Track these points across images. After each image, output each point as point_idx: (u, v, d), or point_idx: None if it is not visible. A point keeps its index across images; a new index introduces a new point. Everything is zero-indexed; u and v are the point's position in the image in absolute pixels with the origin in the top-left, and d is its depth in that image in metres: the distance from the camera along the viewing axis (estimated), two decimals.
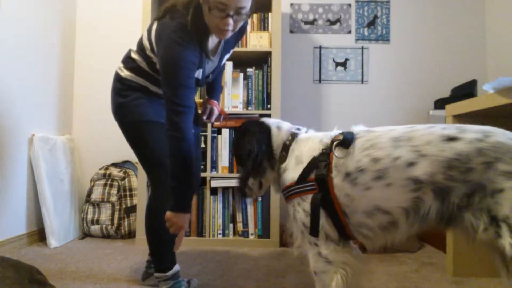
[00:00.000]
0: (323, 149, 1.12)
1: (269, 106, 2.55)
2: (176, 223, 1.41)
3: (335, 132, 1.18)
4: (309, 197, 1.10)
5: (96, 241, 2.60)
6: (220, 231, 2.50)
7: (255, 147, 1.22)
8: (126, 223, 2.66)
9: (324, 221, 1.10)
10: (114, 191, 2.69)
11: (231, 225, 2.51)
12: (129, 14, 3.00)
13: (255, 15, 2.69)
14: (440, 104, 2.68)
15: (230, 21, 1.34)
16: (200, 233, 2.51)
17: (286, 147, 1.23)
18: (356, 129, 1.14)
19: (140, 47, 1.57)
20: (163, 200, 1.56)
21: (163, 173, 1.55)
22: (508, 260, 0.86)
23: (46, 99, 2.69)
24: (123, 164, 2.86)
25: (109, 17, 3.04)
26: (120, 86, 1.61)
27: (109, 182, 2.72)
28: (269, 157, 1.25)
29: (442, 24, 3.01)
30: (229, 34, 1.42)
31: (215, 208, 2.50)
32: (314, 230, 1.09)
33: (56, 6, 2.77)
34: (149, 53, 1.52)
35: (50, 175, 2.50)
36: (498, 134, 0.93)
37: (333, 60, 3.02)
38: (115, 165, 2.84)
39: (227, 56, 1.71)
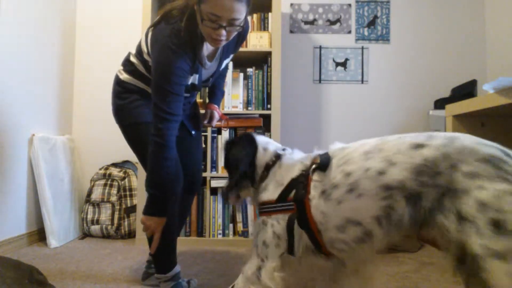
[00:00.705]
0: (302, 171, 1.16)
1: (269, 106, 2.55)
2: (150, 226, 1.43)
3: (316, 152, 1.22)
4: (285, 219, 1.15)
5: (96, 241, 2.60)
6: (220, 231, 2.50)
7: (243, 162, 1.27)
8: (126, 223, 2.66)
9: (296, 240, 1.14)
10: (114, 191, 2.69)
11: (231, 225, 2.51)
12: (129, 15, 3.00)
13: (255, 15, 2.69)
14: (440, 104, 2.68)
15: (223, 32, 1.33)
16: (200, 233, 2.51)
17: (268, 167, 1.26)
18: (333, 147, 1.18)
19: (138, 51, 1.57)
20: None
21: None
22: (477, 257, 0.88)
23: (46, 99, 2.69)
24: (123, 164, 2.86)
25: (109, 17, 3.04)
26: (120, 89, 1.62)
27: (109, 182, 2.72)
28: (252, 175, 1.30)
29: (442, 24, 3.01)
30: (223, 43, 1.41)
31: (215, 208, 2.50)
32: (290, 250, 1.14)
33: (56, 6, 2.77)
34: (146, 56, 1.53)
35: (50, 175, 2.50)
36: (463, 139, 0.97)
37: (333, 60, 3.02)
38: (115, 165, 2.84)
39: (227, 61, 1.70)
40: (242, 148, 1.31)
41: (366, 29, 3.02)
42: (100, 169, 2.81)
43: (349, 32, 3.02)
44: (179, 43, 1.37)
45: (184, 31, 1.39)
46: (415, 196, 0.98)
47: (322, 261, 1.22)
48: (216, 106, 1.85)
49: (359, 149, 1.09)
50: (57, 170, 2.60)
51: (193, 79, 1.52)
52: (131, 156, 2.82)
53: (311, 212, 1.11)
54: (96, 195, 2.71)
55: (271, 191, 1.21)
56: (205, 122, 1.82)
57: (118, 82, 1.62)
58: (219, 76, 1.83)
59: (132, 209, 2.70)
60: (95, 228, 2.66)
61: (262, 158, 1.29)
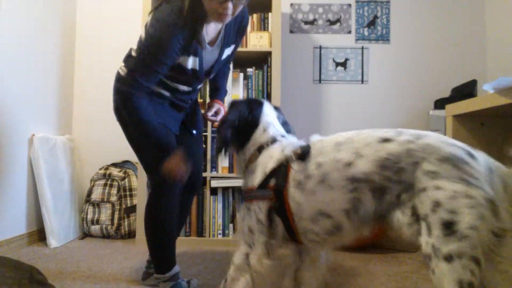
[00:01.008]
0: (282, 161, 1.18)
1: None
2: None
3: (299, 143, 1.23)
4: (265, 206, 1.17)
5: (96, 241, 2.60)
6: (220, 231, 2.50)
7: (230, 120, 1.28)
8: (126, 223, 2.66)
9: (272, 227, 1.17)
10: (114, 191, 2.69)
11: (231, 225, 2.51)
12: (129, 15, 3.00)
13: (255, 15, 2.69)
14: (440, 104, 2.68)
15: (230, 5, 1.32)
16: (200, 233, 2.51)
17: (261, 148, 1.27)
18: (313, 139, 1.20)
19: (139, 45, 1.56)
20: (161, 200, 1.56)
21: (161, 177, 1.53)
22: (426, 256, 0.90)
23: (46, 99, 2.69)
24: (123, 164, 2.86)
25: (109, 17, 3.03)
26: (120, 86, 1.59)
27: (109, 182, 2.72)
28: (241, 144, 1.31)
29: (442, 24, 3.01)
30: (228, 18, 1.39)
31: (215, 208, 2.50)
32: (268, 233, 1.17)
33: (56, 6, 2.77)
34: None
35: (50, 175, 2.50)
36: (430, 137, 0.98)
37: (333, 60, 3.02)
38: (115, 165, 2.84)
39: (228, 51, 1.66)
40: (245, 114, 1.30)
41: (366, 29, 3.02)
42: (100, 169, 2.81)
43: (349, 32, 3.02)
44: (179, 19, 1.36)
45: (187, 9, 1.36)
46: (380, 190, 1.00)
47: (289, 250, 1.27)
48: (222, 102, 1.82)
49: (333, 140, 1.11)
50: (57, 170, 2.60)
51: (193, 63, 1.50)
52: (131, 156, 2.82)
53: (288, 202, 1.13)
54: (96, 195, 2.71)
55: (256, 176, 1.22)
56: (209, 114, 1.77)
57: (119, 78, 1.60)
58: (222, 75, 1.81)
59: (132, 209, 2.70)
60: (95, 228, 2.66)
61: (258, 137, 1.29)
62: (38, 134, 2.48)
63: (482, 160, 0.93)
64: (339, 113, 3.00)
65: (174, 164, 1.44)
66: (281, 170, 1.16)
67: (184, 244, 2.43)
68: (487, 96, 1.57)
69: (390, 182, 0.98)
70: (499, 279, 0.88)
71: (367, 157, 1.01)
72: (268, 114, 1.34)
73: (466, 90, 2.61)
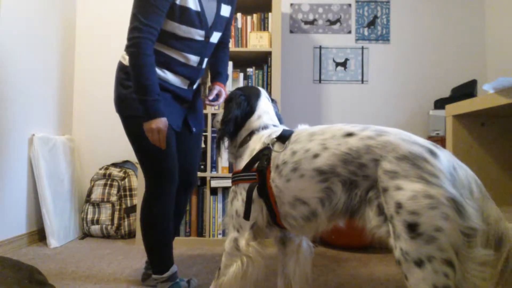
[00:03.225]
0: (267, 144, 1.20)
1: None
2: (154, 129, 1.41)
3: (285, 129, 1.26)
4: (246, 185, 1.19)
5: (96, 241, 2.60)
6: (220, 231, 2.50)
7: (233, 116, 1.32)
8: (126, 223, 2.66)
9: (256, 209, 1.18)
10: (114, 191, 2.69)
11: None
12: (129, 14, 2.99)
13: (255, 15, 2.69)
14: (440, 104, 2.68)
15: None
16: (200, 233, 2.51)
17: (251, 134, 1.30)
18: (299, 127, 1.22)
19: None
20: (157, 201, 1.55)
21: (159, 174, 1.54)
22: (397, 261, 0.89)
23: (46, 99, 2.69)
24: (123, 164, 2.86)
25: (109, 17, 3.03)
26: (123, 76, 1.54)
27: (109, 182, 2.72)
28: (236, 130, 1.34)
29: (442, 24, 3.01)
30: None
31: (215, 208, 2.50)
32: (246, 214, 1.17)
33: (56, 6, 2.77)
34: None
35: (50, 175, 2.50)
36: (391, 134, 0.97)
37: (333, 60, 3.02)
38: (115, 165, 2.84)
39: (226, 9, 1.63)
40: (239, 105, 1.33)
41: (366, 29, 3.02)
42: (100, 169, 2.81)
43: (349, 32, 3.02)
44: None
45: None
46: (350, 184, 1.00)
47: (275, 233, 1.29)
48: (223, 85, 1.79)
49: (310, 130, 1.13)
50: (57, 170, 2.60)
51: (195, 4, 1.48)
52: (131, 156, 2.82)
53: (269, 184, 1.14)
54: (96, 195, 2.71)
55: (243, 159, 1.25)
56: (210, 97, 1.73)
57: (121, 68, 1.56)
58: (222, 58, 1.78)
59: (132, 209, 2.70)
60: (95, 228, 2.66)
61: (251, 123, 1.32)
62: (38, 134, 2.48)
63: (444, 159, 0.89)
64: (339, 113, 3.00)
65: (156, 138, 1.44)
66: (265, 153, 1.18)
67: (184, 244, 2.43)
68: (487, 96, 1.57)
69: (357, 176, 0.98)
70: (478, 281, 0.84)
71: (330, 150, 1.02)
72: (265, 103, 1.37)
73: (466, 90, 2.61)
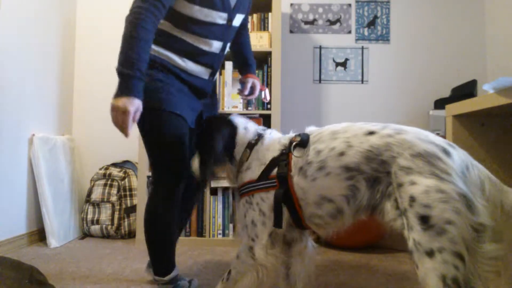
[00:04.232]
0: (282, 150, 1.21)
1: (269, 106, 2.55)
2: (117, 108, 1.24)
3: (292, 134, 1.26)
4: (269, 197, 1.18)
5: (96, 241, 2.60)
6: (220, 231, 2.50)
7: (219, 144, 1.28)
8: (126, 223, 2.66)
9: (278, 216, 1.19)
10: (114, 191, 2.69)
11: (231, 225, 2.51)
12: None
13: (255, 15, 2.69)
14: (440, 104, 2.68)
15: None
16: (200, 233, 2.51)
17: (251, 146, 1.29)
18: (309, 129, 1.23)
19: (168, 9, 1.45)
20: (162, 201, 1.51)
21: (166, 175, 1.48)
22: (410, 251, 0.92)
23: (46, 99, 2.69)
24: (123, 164, 2.86)
25: (109, 17, 3.03)
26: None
27: (109, 182, 2.72)
28: (230, 153, 1.32)
29: (442, 24, 3.01)
30: None
31: (215, 208, 2.50)
32: (278, 222, 1.18)
33: (56, 6, 2.77)
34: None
35: (50, 175, 2.50)
36: (409, 133, 1.01)
37: (333, 60, 3.02)
38: (115, 165, 2.84)
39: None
40: (219, 128, 1.31)
41: (366, 29, 3.02)
42: (100, 169, 2.81)
43: (349, 32, 3.02)
44: None
45: None
46: (373, 180, 1.04)
47: (293, 236, 1.29)
48: (254, 75, 1.73)
49: (330, 128, 1.15)
50: (57, 170, 2.60)
51: None
52: (131, 156, 2.82)
53: (293, 188, 1.15)
54: (96, 195, 2.71)
55: (254, 170, 1.24)
56: (246, 92, 1.66)
57: None
58: (245, 43, 1.75)
59: (132, 209, 2.70)
60: (95, 228, 2.66)
61: (243, 137, 1.31)
62: (38, 134, 2.48)
63: (457, 157, 0.95)
64: (339, 113, 3.00)
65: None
66: (282, 159, 1.19)
67: (184, 244, 2.43)
68: (487, 96, 1.57)
69: (380, 173, 1.02)
70: (488, 275, 0.88)
71: (355, 147, 1.05)
72: (235, 117, 1.37)
73: (466, 90, 2.61)
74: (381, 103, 2.99)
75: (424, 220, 0.89)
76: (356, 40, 3.02)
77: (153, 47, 1.43)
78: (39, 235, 2.52)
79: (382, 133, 1.04)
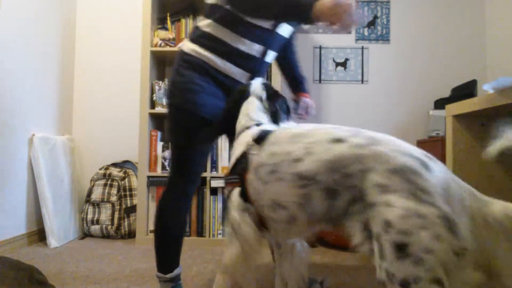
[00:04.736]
0: (248, 145, 1.15)
1: None
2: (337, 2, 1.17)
3: (266, 128, 1.20)
4: (235, 194, 1.14)
5: (96, 241, 2.60)
6: (220, 231, 2.50)
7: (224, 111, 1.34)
8: (126, 223, 2.66)
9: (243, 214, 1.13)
10: (114, 191, 2.69)
11: None
12: (129, 14, 3.00)
13: None
14: (440, 104, 2.68)
15: None
16: (200, 233, 2.51)
17: (237, 134, 1.27)
18: (282, 126, 1.17)
19: (207, 5, 1.46)
20: (170, 201, 1.53)
21: (181, 180, 1.50)
22: (380, 282, 0.82)
23: (46, 99, 2.69)
24: (123, 164, 2.86)
25: (109, 17, 3.03)
26: (181, 63, 1.46)
27: (109, 182, 2.72)
28: (230, 130, 1.32)
29: (442, 24, 3.01)
30: None
31: (215, 208, 2.50)
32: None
33: (56, 6, 2.77)
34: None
35: (50, 175, 2.50)
36: (384, 144, 0.88)
37: (333, 60, 3.02)
38: (115, 165, 2.84)
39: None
40: (235, 98, 1.33)
41: (366, 29, 3.02)
42: (100, 169, 2.81)
43: (349, 32, 3.02)
44: None
45: None
46: (331, 192, 0.92)
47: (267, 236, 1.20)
48: (307, 93, 1.72)
49: (292, 130, 1.05)
50: (57, 170, 2.60)
51: None
52: (131, 156, 2.82)
53: (247, 187, 1.09)
54: (96, 195, 2.71)
55: (230, 163, 1.22)
56: (301, 113, 1.68)
57: (181, 54, 1.49)
58: (293, 59, 1.73)
59: (132, 209, 2.70)
60: (95, 228, 2.66)
61: (239, 124, 1.29)
62: (38, 134, 2.48)
63: (438, 172, 0.83)
64: (339, 113, 3.00)
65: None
66: (245, 155, 1.13)
67: (184, 244, 2.42)
68: (487, 96, 1.57)
69: (340, 186, 0.91)
70: None
71: (315, 155, 0.94)
72: (247, 104, 1.32)
73: (466, 90, 2.61)
74: (381, 103, 2.99)
75: (401, 248, 0.78)
76: (356, 40, 3.02)
77: (194, 48, 1.44)
78: (39, 235, 2.52)
79: (351, 141, 0.91)
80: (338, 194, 0.91)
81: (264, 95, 1.35)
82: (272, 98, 1.36)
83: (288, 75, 1.76)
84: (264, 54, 1.52)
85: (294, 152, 0.98)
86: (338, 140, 0.93)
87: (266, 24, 1.45)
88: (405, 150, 0.86)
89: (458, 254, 0.78)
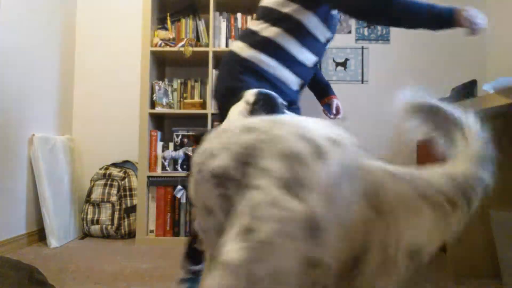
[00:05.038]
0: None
1: None
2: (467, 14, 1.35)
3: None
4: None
5: (96, 241, 2.60)
6: None
7: None
8: (126, 223, 2.66)
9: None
10: (114, 191, 2.69)
11: None
12: (129, 14, 3.00)
13: (255, 15, 2.68)
14: None
15: None
16: None
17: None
18: (228, 120, 1.15)
19: (270, 11, 1.47)
20: None
21: None
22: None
23: (46, 99, 2.69)
24: (123, 164, 2.86)
25: (109, 17, 3.03)
26: (239, 69, 1.44)
27: (109, 182, 2.72)
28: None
29: None
30: None
31: None
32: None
33: (56, 6, 2.77)
34: (285, 9, 1.42)
35: (50, 175, 2.50)
36: (286, 126, 0.77)
37: (333, 60, 3.02)
38: (115, 165, 2.84)
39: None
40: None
41: (366, 29, 3.02)
42: (100, 169, 2.81)
43: (349, 32, 3.02)
44: None
45: None
46: (245, 187, 0.78)
47: None
48: (335, 96, 1.84)
49: (227, 124, 0.95)
50: (57, 170, 2.60)
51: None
52: (131, 156, 2.82)
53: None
54: (96, 195, 2.71)
55: None
56: (332, 115, 1.81)
57: (237, 60, 1.46)
58: (318, 69, 1.84)
59: (132, 209, 2.70)
60: (95, 228, 2.66)
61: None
62: (38, 134, 2.48)
63: (334, 163, 0.69)
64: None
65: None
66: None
67: (184, 244, 2.42)
68: (487, 96, 1.57)
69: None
70: None
71: (228, 148, 0.82)
72: (234, 108, 1.27)
73: (466, 90, 2.61)
74: (381, 103, 2.99)
75: (248, 232, 0.66)
76: (356, 40, 3.02)
77: (258, 54, 1.45)
78: (39, 235, 2.52)
79: (261, 127, 0.79)
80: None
81: (252, 99, 1.28)
82: (258, 102, 1.29)
83: (317, 81, 1.85)
84: (315, 65, 1.61)
85: (211, 148, 0.87)
86: (250, 129, 0.81)
87: (323, 38, 1.54)
88: (304, 134, 0.74)
89: (309, 263, 0.65)
